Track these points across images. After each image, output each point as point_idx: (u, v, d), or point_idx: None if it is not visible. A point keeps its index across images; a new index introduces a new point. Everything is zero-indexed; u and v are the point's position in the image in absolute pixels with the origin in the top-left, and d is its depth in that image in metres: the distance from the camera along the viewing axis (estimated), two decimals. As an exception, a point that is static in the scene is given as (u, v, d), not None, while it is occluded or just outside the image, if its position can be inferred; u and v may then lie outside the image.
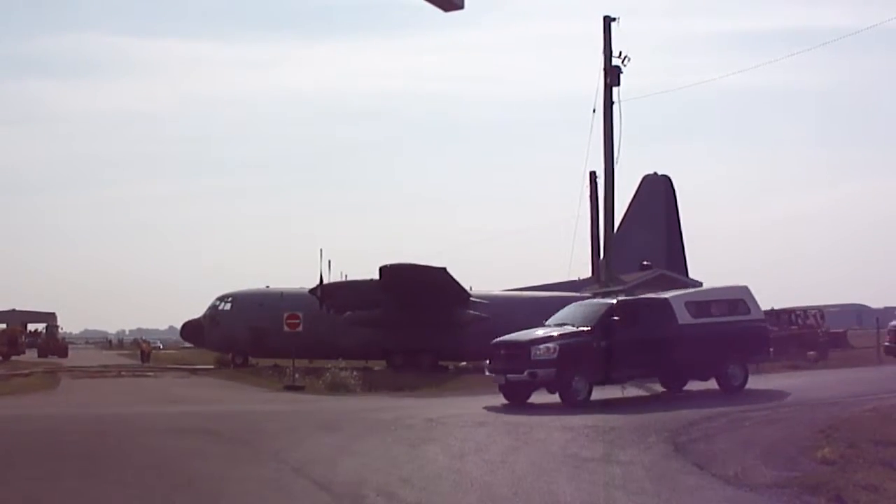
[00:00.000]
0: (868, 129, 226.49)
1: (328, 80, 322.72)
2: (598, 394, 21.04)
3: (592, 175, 38.72)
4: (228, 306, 43.42)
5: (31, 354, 62.37)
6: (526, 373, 20.64)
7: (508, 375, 21.08)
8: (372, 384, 27.94)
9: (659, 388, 23.65)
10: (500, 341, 21.98)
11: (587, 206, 43.00)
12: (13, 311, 78.21)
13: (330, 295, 38.39)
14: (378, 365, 39.45)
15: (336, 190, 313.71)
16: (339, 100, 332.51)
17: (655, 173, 46.07)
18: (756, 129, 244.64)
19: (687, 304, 22.77)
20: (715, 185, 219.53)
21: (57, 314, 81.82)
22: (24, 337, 66.02)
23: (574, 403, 20.07)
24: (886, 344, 33.28)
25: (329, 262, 38.66)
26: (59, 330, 78.72)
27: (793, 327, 44.60)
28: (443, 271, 36.19)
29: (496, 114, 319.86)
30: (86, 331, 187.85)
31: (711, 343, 22.28)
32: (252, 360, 42.76)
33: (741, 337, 23.00)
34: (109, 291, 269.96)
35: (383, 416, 18.38)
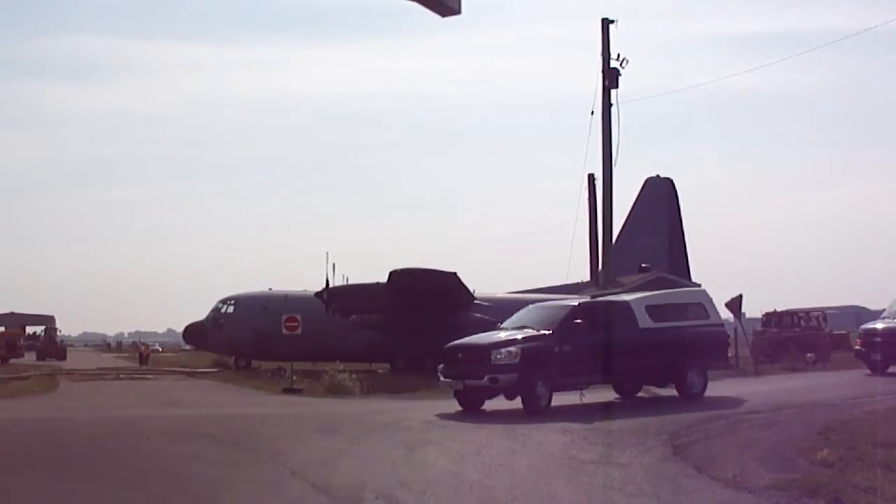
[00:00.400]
0: (868, 131, 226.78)
1: (327, 83, 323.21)
2: (555, 400, 20.19)
3: (591, 177, 38.69)
4: (231, 309, 43.31)
5: (29, 357, 62.39)
6: (486, 378, 19.38)
7: (467, 381, 19.76)
8: (371, 387, 27.92)
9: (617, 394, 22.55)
10: (458, 345, 20.69)
11: (586, 209, 42.99)
12: (12, 314, 78.14)
13: (336, 298, 38.31)
14: (382, 368, 39.43)
15: (335, 193, 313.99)
16: (339, 102, 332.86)
17: (658, 176, 45.92)
18: (756, 130, 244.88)
19: (647, 307, 21.93)
20: (714, 187, 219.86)
21: (55, 317, 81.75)
22: (22, 340, 66.07)
23: (537, 410, 19.00)
24: (857, 348, 31.32)
25: (334, 265, 38.63)
26: (58, 333, 78.69)
27: (795, 329, 44.56)
28: (453, 276, 36.17)
29: (496, 117, 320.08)
30: (84, 333, 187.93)
31: (671, 348, 21.46)
32: (255, 363, 42.66)
33: (701, 342, 22.27)
34: (108, 294, 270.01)
35: (382, 419, 18.36)
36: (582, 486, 11.06)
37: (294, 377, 30.61)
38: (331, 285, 38.49)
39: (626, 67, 33.87)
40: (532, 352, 19.60)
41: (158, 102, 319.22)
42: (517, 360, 19.31)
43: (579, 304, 21.88)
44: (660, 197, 45.21)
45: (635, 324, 21.43)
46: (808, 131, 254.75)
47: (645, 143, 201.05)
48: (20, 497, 11.23)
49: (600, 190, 35.16)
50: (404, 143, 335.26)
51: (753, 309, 53.56)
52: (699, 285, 40.60)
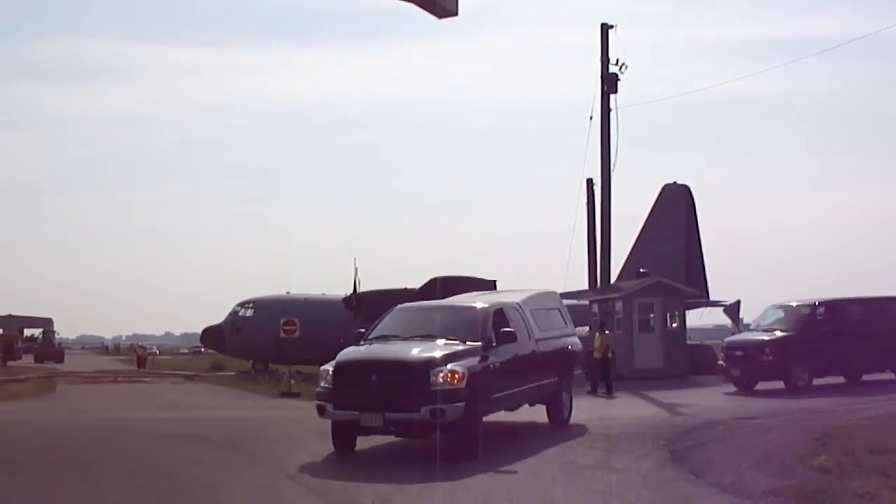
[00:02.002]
0: (865, 138, 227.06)
1: (327, 87, 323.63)
2: None
3: (589, 182, 38.70)
4: (250, 312, 42.95)
5: (27, 360, 62.40)
6: (426, 410, 13.23)
7: (390, 414, 13.50)
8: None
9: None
10: (367, 360, 14.15)
11: (584, 214, 42.89)
12: (9, 316, 78.24)
13: (366, 303, 37.97)
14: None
15: (333, 197, 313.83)
16: (338, 106, 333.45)
17: (675, 182, 45.54)
18: (755, 135, 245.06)
19: (532, 312, 17.60)
20: (713, 190, 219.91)
21: (53, 319, 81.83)
22: (20, 342, 66.17)
23: (473, 453, 13.39)
24: (719, 363, 28.06)
25: (356, 269, 38.36)
26: (56, 335, 78.74)
27: None
28: (492, 284, 36.04)
29: (495, 121, 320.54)
30: (82, 336, 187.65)
31: (551, 363, 17.57)
32: (272, 367, 42.33)
33: (569, 355, 18.66)
34: (106, 297, 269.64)
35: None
36: (579, 492, 11.06)
37: (292, 381, 30.58)
38: (358, 290, 38.16)
39: (626, 72, 33.99)
40: (478, 373, 14.12)
41: (157, 105, 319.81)
42: (464, 384, 13.51)
43: (499, 307, 16.41)
44: (677, 204, 44.85)
45: (533, 332, 17.07)
46: (805, 137, 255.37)
47: (644, 148, 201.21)
48: (17, 500, 11.21)
49: (599, 195, 35.22)
50: (402, 148, 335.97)
51: (754, 313, 53.39)
52: (702, 294, 40.50)
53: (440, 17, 3.92)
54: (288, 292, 44.31)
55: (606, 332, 28.06)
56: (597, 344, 26.87)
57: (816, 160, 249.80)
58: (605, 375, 26.32)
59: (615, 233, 35.38)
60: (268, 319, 41.06)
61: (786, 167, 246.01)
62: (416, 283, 36.09)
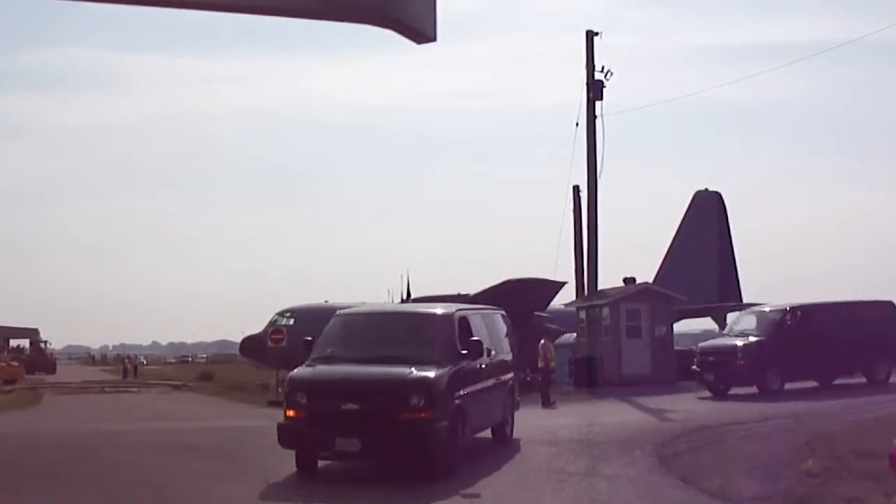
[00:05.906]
0: (855, 141, 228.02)
1: (311, 95, 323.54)
2: None
3: (576, 189, 38.81)
4: (291, 322, 42.63)
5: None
6: None
7: None
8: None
9: None
10: None
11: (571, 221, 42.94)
12: (-6, 326, 77.63)
13: None
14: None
15: (321, 206, 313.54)
16: (321, 115, 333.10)
17: (706, 189, 45.31)
18: (745, 140, 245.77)
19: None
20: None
21: (39, 329, 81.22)
22: (6, 353, 65.78)
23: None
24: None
25: (401, 275, 38.24)
26: (47, 346, 78.31)
27: None
28: (560, 286, 35.83)
29: (486, 129, 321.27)
30: (68, 346, 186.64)
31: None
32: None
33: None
34: (92, 307, 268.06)
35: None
36: (568, 499, 11.07)
37: (280, 389, 30.53)
38: (409, 296, 38.04)
39: (612, 79, 34.11)
40: None
41: (144, 114, 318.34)
42: None
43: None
44: (709, 211, 44.60)
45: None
46: (796, 141, 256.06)
47: (633, 154, 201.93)
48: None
49: (585, 201, 35.30)
50: (387, 157, 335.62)
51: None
52: (735, 299, 40.54)
53: (419, 42, 3.90)
54: (326, 301, 44.13)
55: (542, 341, 27.36)
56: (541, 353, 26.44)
57: (808, 163, 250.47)
58: (541, 387, 25.34)
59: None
60: (309, 329, 40.73)
61: (778, 171, 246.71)
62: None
